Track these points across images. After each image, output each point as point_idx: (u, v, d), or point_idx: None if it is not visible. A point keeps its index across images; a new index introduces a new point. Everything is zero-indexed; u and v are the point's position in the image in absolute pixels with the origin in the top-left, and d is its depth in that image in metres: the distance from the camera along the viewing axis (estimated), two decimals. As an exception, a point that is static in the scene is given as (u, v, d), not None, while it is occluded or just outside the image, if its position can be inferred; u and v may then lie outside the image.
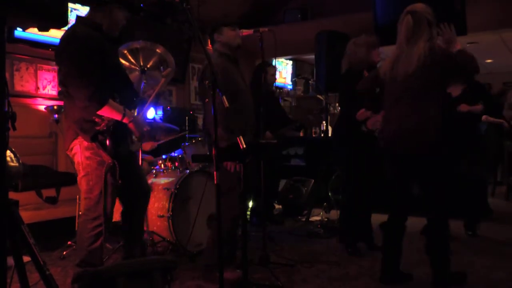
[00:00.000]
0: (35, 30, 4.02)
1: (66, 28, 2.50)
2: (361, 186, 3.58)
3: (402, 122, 2.71)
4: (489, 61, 9.39)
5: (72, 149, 2.58)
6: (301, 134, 6.54)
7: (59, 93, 2.66)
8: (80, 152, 2.54)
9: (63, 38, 2.52)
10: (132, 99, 2.71)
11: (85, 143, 2.51)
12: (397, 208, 2.86)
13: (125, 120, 2.51)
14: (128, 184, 2.70)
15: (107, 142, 2.42)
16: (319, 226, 4.57)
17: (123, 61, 3.13)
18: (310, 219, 4.92)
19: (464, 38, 6.81)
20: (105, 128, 2.42)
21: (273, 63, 4.98)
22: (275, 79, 4.92)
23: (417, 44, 2.63)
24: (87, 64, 2.42)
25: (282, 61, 8.20)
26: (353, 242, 3.63)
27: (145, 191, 2.89)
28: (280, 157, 5.32)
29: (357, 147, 3.54)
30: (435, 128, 2.66)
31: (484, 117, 6.99)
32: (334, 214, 4.65)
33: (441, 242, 2.73)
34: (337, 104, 5.21)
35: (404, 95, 2.71)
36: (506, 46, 7.77)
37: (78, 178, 2.59)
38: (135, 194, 2.81)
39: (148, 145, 4.12)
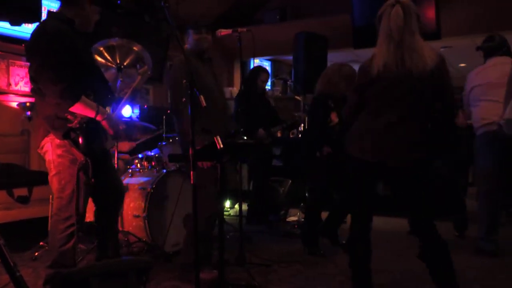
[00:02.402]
0: (7, 24, 3.93)
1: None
2: (327, 186, 3.73)
3: (399, 131, 2.33)
4: (462, 65, 9.60)
5: (43, 147, 2.53)
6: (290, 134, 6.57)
7: (31, 90, 2.58)
8: (51, 150, 2.49)
9: (33, 34, 2.47)
10: (107, 96, 2.66)
11: (57, 141, 2.46)
12: (363, 215, 2.50)
13: (98, 118, 2.46)
14: (102, 182, 2.65)
15: (80, 139, 2.37)
16: (296, 226, 4.59)
17: (99, 59, 3.08)
18: (287, 219, 4.94)
19: (438, 43, 6.97)
20: (77, 126, 2.37)
21: (252, 64, 4.99)
22: (265, 86, 4.95)
23: (416, 39, 2.31)
24: (58, 60, 2.37)
25: (259, 62, 8.20)
26: (316, 242, 3.70)
27: (119, 190, 2.84)
28: (272, 156, 5.32)
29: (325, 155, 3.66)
30: (428, 140, 2.39)
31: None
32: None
33: (444, 261, 2.35)
34: None
35: (406, 98, 2.32)
36: (479, 50, 7.96)
37: (49, 177, 2.54)
38: (109, 193, 2.75)
39: (126, 145, 4.06)
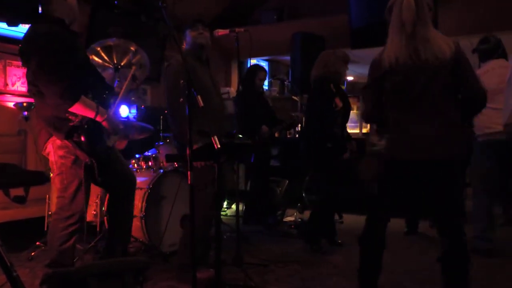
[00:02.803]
0: (3, 25, 3.92)
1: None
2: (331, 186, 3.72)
3: (426, 126, 2.20)
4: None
5: (46, 148, 2.54)
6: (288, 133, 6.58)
7: (28, 91, 2.57)
8: (53, 152, 2.51)
9: (26, 38, 2.46)
10: (104, 94, 2.66)
11: (58, 142, 2.46)
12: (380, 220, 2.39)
13: (98, 118, 2.47)
14: (110, 178, 2.67)
15: (82, 138, 2.37)
16: (292, 226, 4.60)
17: (96, 59, 3.07)
18: (284, 220, 4.94)
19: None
20: (79, 125, 2.37)
21: (249, 64, 5.00)
22: (262, 84, 4.95)
23: (429, 29, 2.21)
24: (56, 60, 2.36)
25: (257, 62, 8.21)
26: (318, 240, 3.74)
27: (129, 179, 2.87)
28: (270, 156, 5.32)
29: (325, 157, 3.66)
30: (461, 133, 2.28)
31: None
32: (308, 214, 4.68)
33: (465, 266, 2.22)
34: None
35: (428, 91, 2.19)
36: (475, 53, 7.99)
37: (52, 177, 2.56)
38: (120, 183, 2.78)
39: (122, 145, 4.05)
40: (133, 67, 3.01)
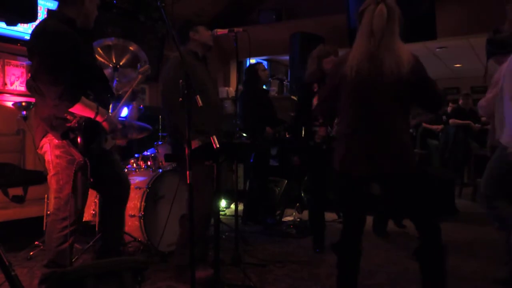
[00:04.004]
0: (2, 24, 3.91)
1: (36, 22, 2.43)
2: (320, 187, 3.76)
3: (379, 136, 2.22)
4: (457, 65, 9.66)
5: (42, 147, 2.53)
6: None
7: (28, 86, 2.56)
8: (50, 151, 2.49)
9: (33, 33, 2.46)
10: (107, 96, 2.66)
11: (55, 141, 2.45)
12: (353, 234, 2.36)
13: (98, 119, 2.47)
14: (104, 180, 2.66)
15: (78, 139, 2.37)
16: (291, 226, 4.60)
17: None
18: (283, 220, 4.95)
19: (433, 43, 7.00)
20: (76, 125, 2.37)
21: (248, 64, 5.00)
22: (267, 73, 4.95)
23: (395, 42, 2.25)
24: (58, 61, 2.36)
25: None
26: (322, 241, 3.73)
27: (124, 183, 2.84)
28: (269, 156, 5.33)
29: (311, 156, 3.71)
30: (409, 144, 2.32)
31: (451, 120, 7.22)
32: (307, 214, 4.69)
33: (441, 264, 2.27)
34: None
35: (382, 101, 2.23)
36: (474, 51, 8.01)
37: (48, 177, 2.54)
38: (113, 187, 2.77)
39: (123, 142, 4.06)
40: (146, 66, 2.99)
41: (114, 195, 2.79)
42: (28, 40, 2.50)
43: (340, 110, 2.37)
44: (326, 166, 3.63)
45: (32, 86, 2.50)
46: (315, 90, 3.58)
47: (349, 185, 2.32)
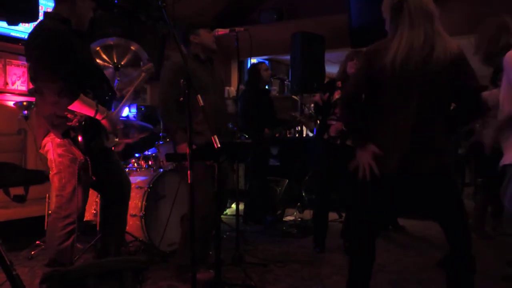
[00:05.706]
0: (4, 24, 3.91)
1: (36, 22, 2.45)
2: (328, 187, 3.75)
3: (421, 133, 2.03)
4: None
5: (44, 146, 2.55)
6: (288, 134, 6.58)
7: (29, 90, 2.59)
8: (52, 149, 2.50)
9: (31, 34, 2.48)
10: (107, 94, 2.66)
11: (57, 140, 2.47)
12: (370, 237, 2.21)
13: (98, 117, 2.47)
14: (106, 178, 2.66)
15: (79, 138, 2.37)
16: (292, 226, 4.60)
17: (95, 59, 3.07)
18: (283, 219, 4.95)
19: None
20: (77, 124, 2.37)
21: (249, 63, 5.01)
22: (270, 73, 4.95)
23: (438, 24, 2.09)
24: (54, 58, 2.37)
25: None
26: (323, 241, 3.73)
27: (125, 184, 2.83)
28: (269, 156, 5.33)
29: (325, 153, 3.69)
30: (450, 145, 2.19)
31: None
32: (308, 214, 4.69)
33: (470, 274, 2.12)
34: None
35: (425, 97, 2.02)
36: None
37: (50, 176, 2.56)
38: (114, 188, 2.76)
39: (120, 146, 4.06)
40: (149, 64, 2.98)
41: (115, 197, 2.79)
42: (26, 40, 2.52)
43: (370, 105, 2.13)
44: (340, 163, 3.60)
45: (32, 89, 2.51)
46: (339, 86, 3.60)
47: (380, 185, 2.09)
